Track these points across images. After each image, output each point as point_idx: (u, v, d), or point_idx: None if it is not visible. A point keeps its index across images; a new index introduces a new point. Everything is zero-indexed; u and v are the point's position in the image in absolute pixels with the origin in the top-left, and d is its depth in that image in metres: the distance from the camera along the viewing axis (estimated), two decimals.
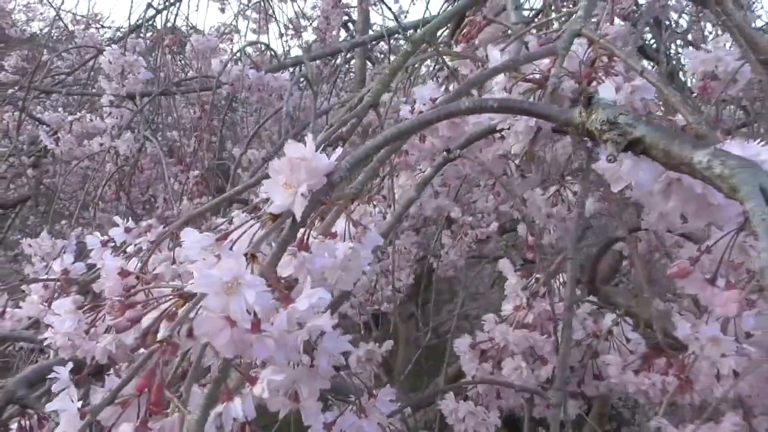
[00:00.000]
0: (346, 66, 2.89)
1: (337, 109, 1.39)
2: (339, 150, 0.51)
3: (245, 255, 0.44)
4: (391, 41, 2.20)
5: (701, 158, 0.43)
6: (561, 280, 1.03)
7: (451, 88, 0.96)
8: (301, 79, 1.93)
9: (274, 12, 2.79)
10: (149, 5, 2.40)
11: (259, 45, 2.54)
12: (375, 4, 3.40)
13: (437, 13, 2.22)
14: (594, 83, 0.74)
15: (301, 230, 0.57)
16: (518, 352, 0.95)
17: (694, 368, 0.84)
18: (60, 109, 2.39)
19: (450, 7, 1.63)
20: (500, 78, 0.77)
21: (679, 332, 0.81)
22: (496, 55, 0.78)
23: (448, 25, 1.64)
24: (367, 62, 2.81)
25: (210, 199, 1.70)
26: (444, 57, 1.05)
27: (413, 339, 2.64)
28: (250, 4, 2.84)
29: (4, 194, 2.72)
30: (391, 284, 1.49)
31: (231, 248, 0.48)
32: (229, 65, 1.72)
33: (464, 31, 1.16)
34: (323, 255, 0.58)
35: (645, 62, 2.61)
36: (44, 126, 2.16)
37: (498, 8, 1.42)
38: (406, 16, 3.64)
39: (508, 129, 0.74)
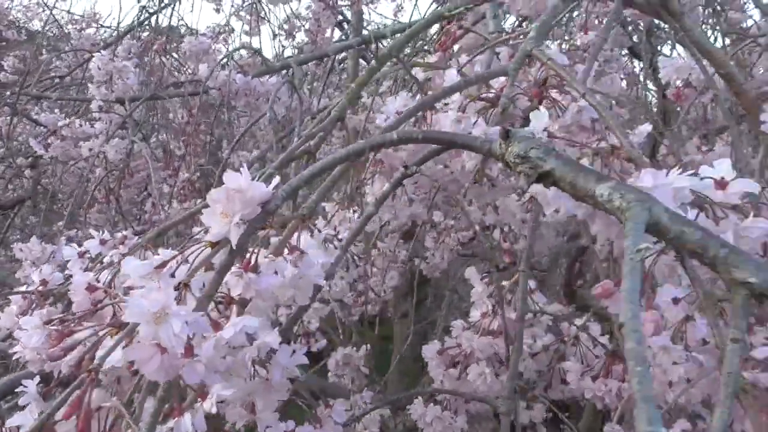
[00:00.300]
0: (341, 66, 2.90)
1: (308, 122, 1.42)
2: (277, 179, 0.53)
3: (178, 284, 0.47)
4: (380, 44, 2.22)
5: (603, 191, 0.45)
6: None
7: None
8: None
9: (266, 14, 2.81)
10: (143, 8, 2.43)
11: (249, 49, 2.56)
12: (372, 2, 3.43)
13: (423, 15, 2.24)
14: (545, 101, 0.77)
15: (250, 251, 0.59)
16: (483, 358, 0.97)
17: None
18: (56, 110, 2.42)
19: (425, 18, 1.65)
20: (456, 96, 0.80)
21: None
22: (452, 75, 0.80)
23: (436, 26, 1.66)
24: (362, 61, 2.83)
25: (197, 203, 1.73)
26: (414, 69, 1.07)
27: (406, 338, 2.66)
28: (243, 5, 2.86)
29: (2, 195, 2.76)
30: (369, 289, 1.51)
31: (173, 275, 0.51)
32: (216, 70, 1.74)
33: (440, 40, 1.19)
34: (272, 274, 0.61)
35: (636, 62, 2.62)
36: (40, 127, 2.20)
37: (478, 16, 1.44)
38: (402, 15, 3.68)
39: None
